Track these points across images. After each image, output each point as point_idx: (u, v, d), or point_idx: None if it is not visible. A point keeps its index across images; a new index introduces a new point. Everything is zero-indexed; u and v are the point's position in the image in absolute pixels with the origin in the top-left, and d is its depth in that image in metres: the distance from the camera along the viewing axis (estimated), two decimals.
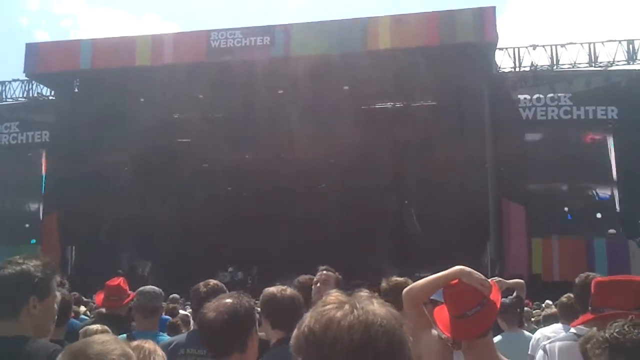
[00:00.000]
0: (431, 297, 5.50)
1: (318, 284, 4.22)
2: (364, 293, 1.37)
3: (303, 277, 4.35)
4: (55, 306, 2.40)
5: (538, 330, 4.79)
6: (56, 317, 2.46)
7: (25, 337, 2.24)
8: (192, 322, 6.14)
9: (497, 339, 4.83)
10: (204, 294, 3.57)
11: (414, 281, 3.04)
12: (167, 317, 7.19)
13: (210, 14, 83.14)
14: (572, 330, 3.39)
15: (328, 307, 1.31)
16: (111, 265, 24.40)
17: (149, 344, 2.41)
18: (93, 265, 23.62)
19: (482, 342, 2.49)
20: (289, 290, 3.22)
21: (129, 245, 25.93)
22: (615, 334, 1.77)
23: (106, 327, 3.25)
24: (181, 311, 8.45)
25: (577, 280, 3.73)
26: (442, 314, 2.60)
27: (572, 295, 4.49)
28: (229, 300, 2.40)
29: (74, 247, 26.12)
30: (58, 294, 2.45)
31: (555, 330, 4.61)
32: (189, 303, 9.38)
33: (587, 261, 21.32)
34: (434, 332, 2.87)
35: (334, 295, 1.36)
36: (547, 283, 19.49)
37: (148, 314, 4.36)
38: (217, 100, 24.74)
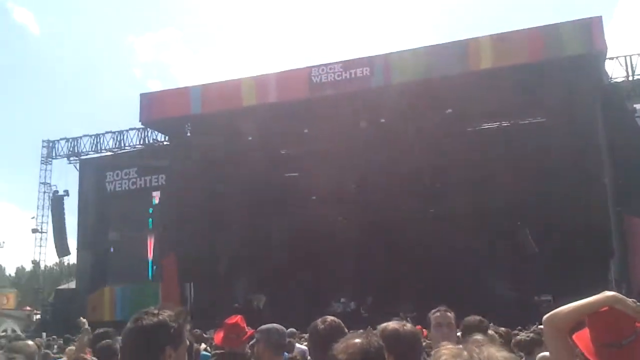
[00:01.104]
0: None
1: (442, 327, 4.12)
2: (478, 337, 1.35)
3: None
4: (186, 353, 2.47)
5: None
6: None
7: None
8: (308, 358, 6.18)
9: None
10: (322, 330, 3.57)
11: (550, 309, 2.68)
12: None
13: (311, 48, 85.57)
14: None
15: (445, 355, 1.29)
16: (228, 300, 25.25)
17: None
18: (211, 300, 24.47)
19: None
20: (409, 326, 3.23)
21: (244, 280, 26.64)
22: None
23: None
24: (298, 345, 8.44)
25: None
26: (583, 342, 2.34)
27: None
28: (357, 341, 2.35)
29: (192, 285, 27.16)
30: (188, 341, 2.53)
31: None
32: (304, 336, 9.43)
33: None
34: None
35: (448, 346, 1.34)
36: None
37: (277, 349, 4.47)
38: (322, 133, 25.25)
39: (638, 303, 4.45)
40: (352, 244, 25.04)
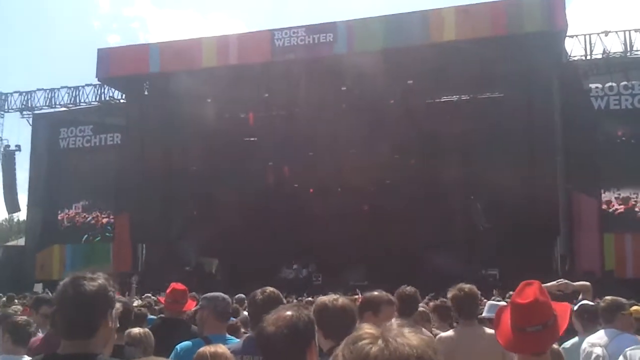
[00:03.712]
0: (485, 316, 5.62)
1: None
2: (395, 322, 1.41)
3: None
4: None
5: (585, 339, 4.66)
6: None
7: (94, 355, 2.28)
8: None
9: (572, 341, 4.91)
10: (260, 301, 3.64)
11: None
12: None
13: (274, 11, 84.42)
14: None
15: (362, 343, 1.32)
16: (179, 263, 25.08)
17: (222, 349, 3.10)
18: (162, 263, 24.28)
19: None
20: (341, 300, 3.21)
21: (197, 243, 26.46)
22: None
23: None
24: (245, 313, 8.40)
25: None
26: (505, 321, 2.54)
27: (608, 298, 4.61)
28: (288, 313, 2.36)
29: (144, 246, 26.90)
30: (118, 304, 2.57)
31: (599, 336, 4.54)
32: None
33: None
34: None
35: (366, 329, 1.37)
36: (620, 280, 18.79)
37: (222, 317, 4.52)
38: (282, 98, 25.03)
39: (564, 280, 4.70)
40: (306, 210, 24.98)
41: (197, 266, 25.77)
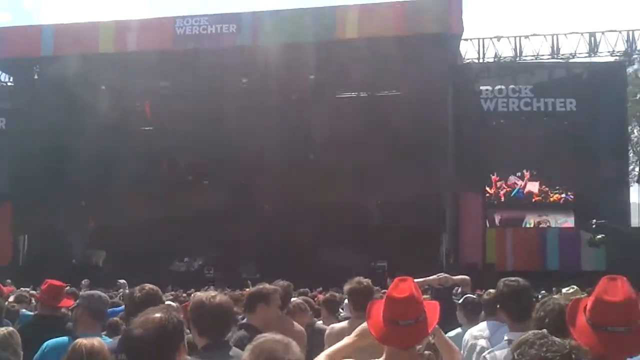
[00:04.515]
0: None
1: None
2: None
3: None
4: None
5: (467, 331, 4.70)
6: None
7: None
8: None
9: (456, 331, 4.98)
10: (137, 299, 3.52)
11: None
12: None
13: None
14: (506, 337, 3.48)
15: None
16: (64, 255, 23.75)
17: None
18: (46, 255, 22.93)
19: (404, 354, 2.55)
20: (219, 297, 3.18)
21: (84, 235, 25.17)
22: None
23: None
24: None
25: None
26: (376, 314, 2.63)
27: (492, 291, 4.60)
28: (157, 315, 2.31)
29: (26, 236, 25.29)
30: None
31: (481, 329, 4.59)
32: None
33: (540, 251, 21.69)
34: None
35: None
36: (501, 273, 19.53)
37: (97, 316, 4.40)
38: (182, 88, 24.44)
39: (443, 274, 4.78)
40: (197, 202, 24.34)
41: (84, 259, 24.46)
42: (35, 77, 26.24)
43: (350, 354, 2.80)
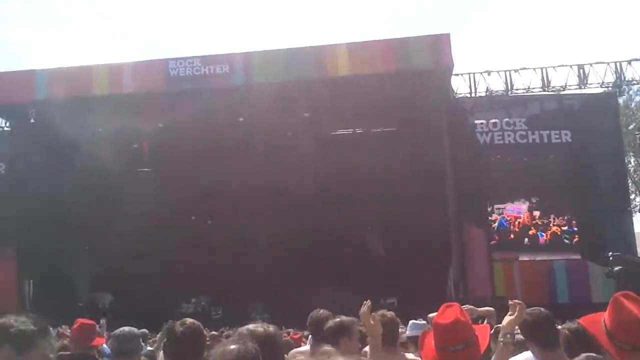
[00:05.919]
0: (408, 335, 5.72)
1: None
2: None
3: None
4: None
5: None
6: None
7: None
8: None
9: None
10: (180, 333, 3.48)
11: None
12: None
13: (170, 41, 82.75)
14: None
15: None
16: (71, 298, 23.97)
17: None
18: (52, 299, 23.13)
19: None
20: (272, 327, 3.15)
21: (88, 278, 25.41)
22: None
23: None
24: (147, 347, 8.02)
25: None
26: (428, 343, 2.69)
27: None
28: (234, 347, 2.32)
29: (31, 282, 25.52)
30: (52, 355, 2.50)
31: (527, 358, 4.50)
32: (152, 338, 9.14)
33: (548, 284, 21.75)
34: None
35: None
36: None
37: (125, 357, 4.35)
38: (178, 128, 24.56)
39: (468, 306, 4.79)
40: (204, 245, 24.61)
41: (90, 301, 24.73)
42: (32, 121, 26.31)
43: None
